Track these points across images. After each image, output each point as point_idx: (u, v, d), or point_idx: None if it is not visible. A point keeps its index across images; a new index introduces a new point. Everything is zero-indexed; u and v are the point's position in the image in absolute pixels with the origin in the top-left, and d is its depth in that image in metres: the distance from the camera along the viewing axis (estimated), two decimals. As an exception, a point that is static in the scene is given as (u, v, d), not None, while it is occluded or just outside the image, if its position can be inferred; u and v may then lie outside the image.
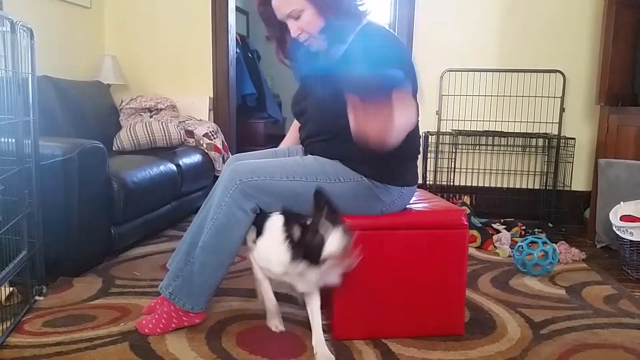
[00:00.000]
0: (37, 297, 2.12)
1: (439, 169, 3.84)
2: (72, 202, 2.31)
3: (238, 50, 5.11)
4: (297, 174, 1.76)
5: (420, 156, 1.97)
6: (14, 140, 1.99)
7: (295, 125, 2.17)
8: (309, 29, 1.76)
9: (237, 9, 5.02)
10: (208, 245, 1.79)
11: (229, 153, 3.98)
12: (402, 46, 1.81)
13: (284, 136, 2.30)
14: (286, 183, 1.74)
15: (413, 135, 1.77)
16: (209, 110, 4.11)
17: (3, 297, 2.01)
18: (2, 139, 1.92)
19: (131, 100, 3.85)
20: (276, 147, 2.21)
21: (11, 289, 2.06)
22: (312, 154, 1.88)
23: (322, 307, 2.04)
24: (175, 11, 4.10)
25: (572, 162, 3.61)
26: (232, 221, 1.75)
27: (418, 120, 1.84)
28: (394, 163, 1.78)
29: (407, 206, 1.93)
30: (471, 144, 3.86)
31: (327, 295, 1.92)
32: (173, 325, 1.86)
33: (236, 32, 4.49)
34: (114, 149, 3.43)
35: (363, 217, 1.80)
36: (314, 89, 1.85)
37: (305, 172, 1.77)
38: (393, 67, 1.59)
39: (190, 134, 3.72)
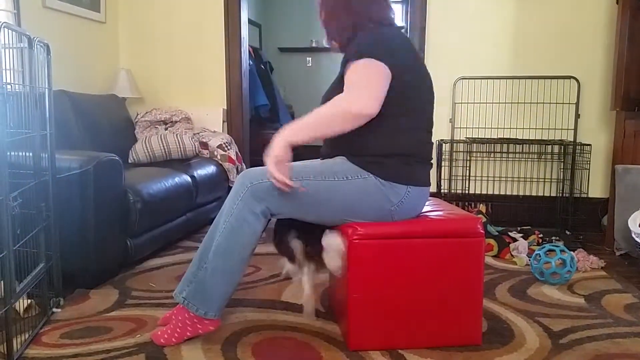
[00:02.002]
0: (54, 309, 2.14)
1: (453, 177, 3.82)
2: (89, 214, 2.34)
3: (251, 62, 5.15)
4: (306, 174, 1.78)
5: (434, 164, 1.97)
6: (31, 154, 2.01)
7: None
8: (325, 27, 1.93)
9: (250, 21, 5.06)
10: (220, 249, 1.80)
11: (243, 164, 4.00)
12: (401, 38, 1.84)
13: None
14: (295, 184, 1.75)
15: (404, 136, 1.78)
16: (223, 121, 4.14)
17: (21, 309, 2.03)
18: (20, 153, 1.94)
19: (146, 113, 3.89)
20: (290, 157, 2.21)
21: (29, 301, 2.07)
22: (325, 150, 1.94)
23: (337, 318, 2.03)
24: (189, 25, 4.15)
25: (589, 169, 3.57)
26: (243, 225, 1.77)
27: (427, 124, 1.88)
28: (398, 161, 1.79)
29: (422, 214, 1.92)
30: (486, 152, 3.84)
31: (343, 305, 1.91)
32: (188, 333, 1.86)
33: (249, 45, 4.53)
34: (129, 161, 3.46)
35: (378, 226, 1.79)
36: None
37: (313, 172, 1.79)
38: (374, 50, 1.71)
39: (204, 145, 3.75)
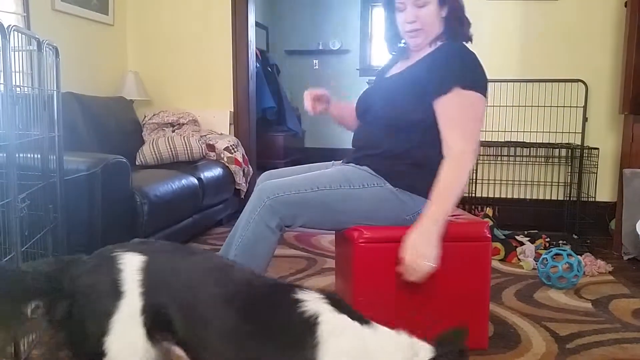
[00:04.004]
0: (61, 311, 2.15)
1: (460, 181, 3.80)
2: (96, 216, 2.35)
3: (258, 65, 5.17)
4: (322, 183, 1.77)
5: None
6: (39, 155, 2.02)
7: (349, 104, 2.12)
8: (424, 21, 1.77)
9: (257, 24, 5.08)
10: (237, 261, 1.78)
11: (250, 166, 4.01)
12: (481, 66, 1.82)
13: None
14: (312, 194, 1.75)
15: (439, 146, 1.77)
16: (230, 124, 4.15)
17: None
18: (28, 155, 1.95)
19: (154, 115, 3.90)
20: (298, 159, 2.23)
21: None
22: (357, 144, 1.94)
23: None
24: (196, 27, 4.16)
25: (596, 173, 3.55)
26: (259, 238, 1.75)
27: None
28: (422, 173, 1.77)
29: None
30: (492, 155, 3.83)
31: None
32: None
33: (256, 47, 4.54)
34: (137, 163, 3.48)
35: (383, 229, 1.79)
36: (390, 77, 1.91)
37: (330, 180, 1.78)
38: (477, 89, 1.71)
39: (211, 147, 3.76)
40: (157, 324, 1.11)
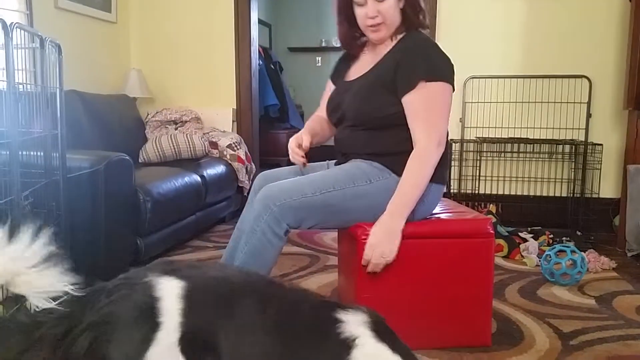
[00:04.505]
0: (65, 308, 2.15)
1: (463, 177, 3.80)
2: (99, 213, 2.35)
3: (261, 62, 5.17)
4: (327, 185, 1.76)
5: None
6: (42, 153, 2.03)
7: (313, 119, 2.08)
8: (386, 15, 1.78)
9: (260, 21, 5.08)
10: (243, 267, 1.75)
11: (252, 164, 4.01)
12: (446, 55, 1.84)
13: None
14: (318, 197, 1.74)
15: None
16: (232, 121, 4.15)
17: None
18: (31, 152, 1.96)
19: (157, 113, 3.91)
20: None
21: (40, 299, 2.09)
22: (346, 150, 1.92)
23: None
24: (199, 25, 4.16)
25: (600, 169, 3.53)
26: (266, 246, 1.73)
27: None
28: None
29: (432, 215, 1.91)
30: (496, 152, 3.82)
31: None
32: None
33: (259, 45, 4.53)
34: (140, 161, 3.48)
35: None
36: (357, 80, 1.90)
37: (334, 182, 1.77)
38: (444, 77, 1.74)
39: (214, 145, 3.76)
40: (198, 352, 1.05)
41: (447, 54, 1.82)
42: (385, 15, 1.78)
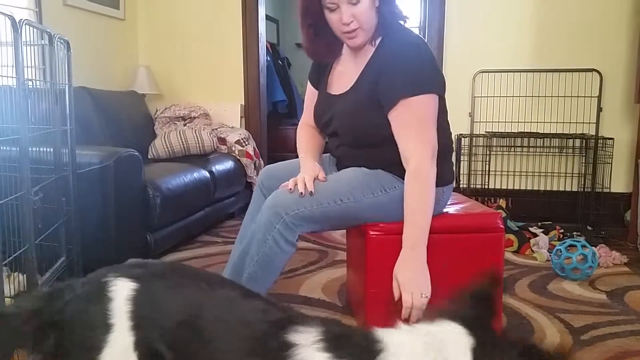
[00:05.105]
0: (75, 303, 2.16)
1: (472, 172, 3.78)
2: (109, 209, 2.36)
3: (268, 58, 5.16)
4: (344, 194, 1.69)
5: (453, 159, 1.94)
6: (52, 149, 2.04)
7: (307, 134, 1.98)
8: (362, 19, 1.65)
9: (268, 17, 5.07)
10: (256, 276, 1.70)
11: (260, 159, 4.01)
12: (432, 61, 1.72)
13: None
14: (335, 207, 1.68)
15: (444, 133, 1.75)
16: (241, 117, 4.15)
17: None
18: (41, 148, 1.97)
19: (165, 109, 3.92)
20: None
21: (51, 294, 2.10)
22: (346, 164, 1.84)
23: (355, 312, 2.03)
24: (207, 21, 4.16)
25: (611, 163, 3.50)
26: (278, 254, 1.67)
27: (447, 119, 1.83)
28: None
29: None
30: (506, 146, 3.79)
31: (360, 300, 1.91)
32: None
33: (266, 40, 4.53)
34: (149, 157, 3.49)
35: (396, 222, 1.78)
36: (344, 96, 1.79)
37: (350, 190, 1.70)
38: (429, 89, 1.63)
39: (222, 141, 3.76)
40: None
41: (430, 52, 1.70)
42: (361, 19, 1.65)
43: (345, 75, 1.82)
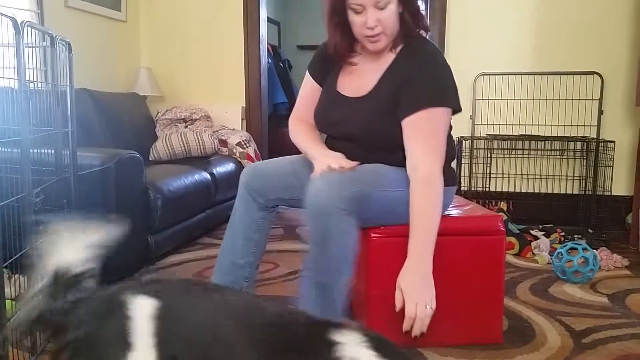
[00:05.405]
0: (76, 305, 2.16)
1: (473, 175, 3.78)
2: (110, 211, 2.36)
3: (270, 60, 5.17)
4: (383, 184, 1.66)
5: (454, 161, 1.93)
6: (53, 151, 2.04)
7: (309, 128, 1.91)
8: (386, 24, 1.63)
9: (269, 19, 5.07)
10: (336, 272, 1.61)
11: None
12: (453, 77, 1.73)
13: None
14: (380, 194, 1.65)
15: (448, 140, 1.75)
16: (242, 119, 4.16)
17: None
18: (42, 150, 1.97)
19: (167, 111, 3.92)
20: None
21: (52, 296, 2.10)
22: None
23: (357, 315, 2.02)
24: (208, 23, 4.17)
25: (612, 166, 3.50)
26: (350, 237, 1.58)
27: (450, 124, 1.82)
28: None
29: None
30: (507, 149, 3.79)
31: (362, 303, 1.91)
32: None
33: (268, 43, 4.53)
34: (150, 159, 3.49)
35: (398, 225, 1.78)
36: (362, 100, 1.76)
37: (388, 181, 1.67)
38: (449, 103, 1.65)
39: (223, 143, 3.77)
40: None
41: (450, 67, 1.72)
42: (386, 24, 1.63)
43: (361, 77, 1.79)
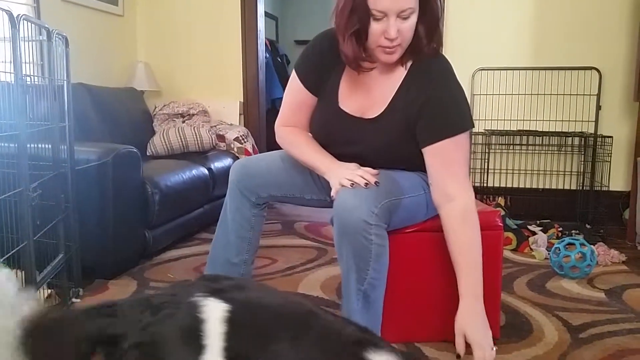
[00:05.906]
0: (73, 299, 2.17)
1: (471, 170, 3.78)
2: (107, 205, 2.36)
3: (267, 55, 5.15)
4: (407, 190, 1.63)
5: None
6: (50, 145, 2.03)
7: (310, 137, 1.78)
8: (406, 36, 1.51)
9: (267, 14, 5.06)
10: (373, 283, 1.58)
11: (260, 156, 4.00)
12: (464, 93, 1.67)
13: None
14: (405, 200, 1.64)
15: None
16: (240, 114, 4.15)
17: (41, 299, 2.06)
18: (39, 145, 1.96)
19: (164, 106, 3.91)
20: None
21: (49, 291, 2.10)
22: None
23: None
24: (206, 18, 4.15)
25: (610, 161, 3.50)
26: (381, 251, 1.55)
27: None
28: None
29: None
30: (505, 144, 3.79)
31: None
32: None
33: (265, 37, 4.52)
34: (147, 154, 3.49)
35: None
36: (375, 122, 1.65)
37: (411, 186, 1.66)
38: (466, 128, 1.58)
39: (221, 138, 3.76)
40: None
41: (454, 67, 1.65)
42: (406, 36, 1.50)
43: (369, 92, 1.67)
